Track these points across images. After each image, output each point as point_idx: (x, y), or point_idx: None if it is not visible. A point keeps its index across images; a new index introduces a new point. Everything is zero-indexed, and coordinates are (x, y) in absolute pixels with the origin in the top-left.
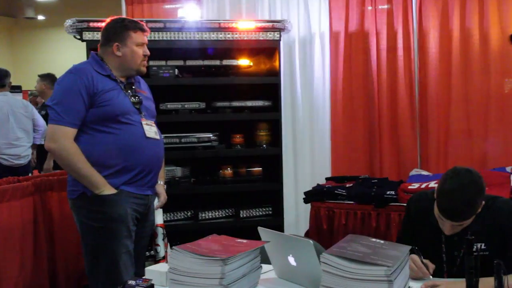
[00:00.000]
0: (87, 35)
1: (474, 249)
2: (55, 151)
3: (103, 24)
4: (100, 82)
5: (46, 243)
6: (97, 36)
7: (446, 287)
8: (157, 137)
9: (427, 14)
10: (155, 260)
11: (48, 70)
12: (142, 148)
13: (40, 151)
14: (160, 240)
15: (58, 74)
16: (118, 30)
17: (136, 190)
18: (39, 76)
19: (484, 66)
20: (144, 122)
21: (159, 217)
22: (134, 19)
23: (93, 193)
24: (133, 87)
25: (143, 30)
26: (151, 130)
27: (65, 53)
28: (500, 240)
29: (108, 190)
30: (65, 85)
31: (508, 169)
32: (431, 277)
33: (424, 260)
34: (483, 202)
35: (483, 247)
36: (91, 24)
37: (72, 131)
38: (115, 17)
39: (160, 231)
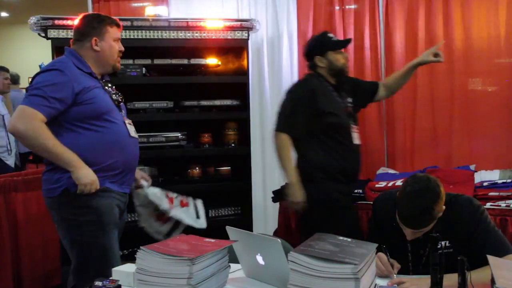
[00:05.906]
0: (52, 33)
1: (439, 247)
2: (21, 132)
3: (69, 22)
4: (83, 80)
5: (10, 246)
6: (63, 34)
7: (412, 284)
8: (136, 136)
9: (394, 15)
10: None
11: (12, 67)
12: (126, 147)
13: None
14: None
15: (22, 72)
16: (96, 25)
17: (118, 188)
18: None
19: (448, 66)
20: (126, 121)
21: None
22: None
23: (77, 188)
24: (109, 84)
25: (118, 26)
26: (132, 129)
27: (29, 51)
28: (464, 237)
29: (82, 168)
30: (49, 78)
31: (472, 167)
32: (395, 275)
33: (391, 260)
34: (443, 207)
35: (447, 244)
36: (56, 22)
37: (42, 117)
38: (88, 13)
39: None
